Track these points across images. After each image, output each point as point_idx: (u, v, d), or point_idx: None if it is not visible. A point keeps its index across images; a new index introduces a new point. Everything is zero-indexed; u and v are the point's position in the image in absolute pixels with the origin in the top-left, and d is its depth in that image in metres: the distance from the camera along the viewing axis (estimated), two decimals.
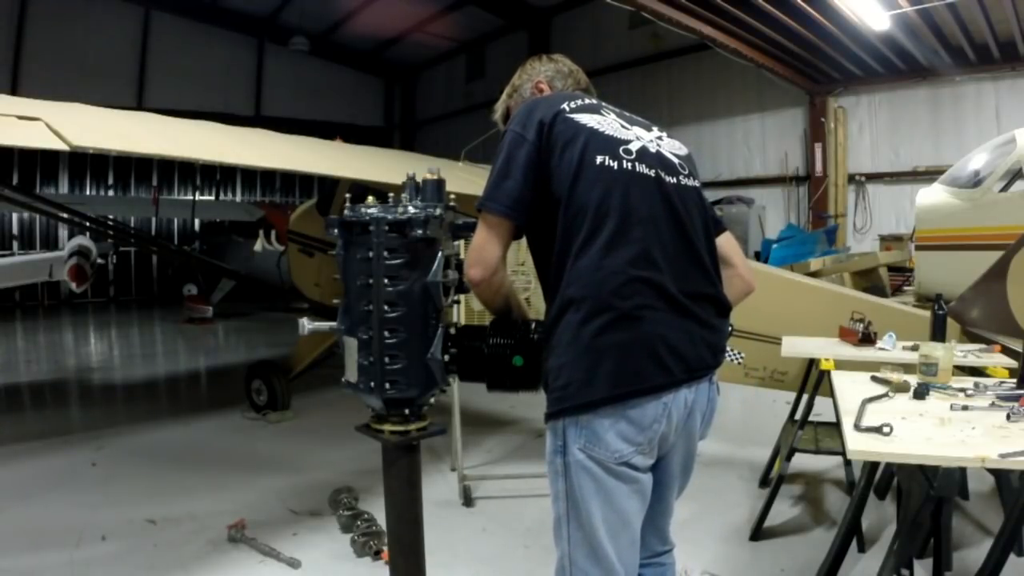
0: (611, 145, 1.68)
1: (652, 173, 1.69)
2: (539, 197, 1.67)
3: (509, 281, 1.78)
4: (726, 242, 1.90)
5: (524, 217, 1.67)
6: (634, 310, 1.57)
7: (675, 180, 1.73)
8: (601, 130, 1.70)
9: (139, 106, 14.32)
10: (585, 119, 1.71)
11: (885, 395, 2.28)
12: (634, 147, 1.71)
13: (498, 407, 5.82)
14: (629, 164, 1.67)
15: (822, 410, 3.61)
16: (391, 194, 1.71)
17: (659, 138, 1.82)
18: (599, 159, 1.65)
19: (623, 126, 1.76)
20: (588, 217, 1.61)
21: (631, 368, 1.56)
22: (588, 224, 1.60)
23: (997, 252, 3.64)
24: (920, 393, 2.27)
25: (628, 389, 1.56)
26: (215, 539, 3.46)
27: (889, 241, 9.51)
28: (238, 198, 17.27)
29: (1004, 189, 6.22)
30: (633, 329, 1.57)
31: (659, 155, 1.75)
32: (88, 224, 8.05)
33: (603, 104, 1.84)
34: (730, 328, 1.81)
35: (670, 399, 1.60)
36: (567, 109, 1.72)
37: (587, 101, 1.80)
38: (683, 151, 1.86)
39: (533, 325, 1.72)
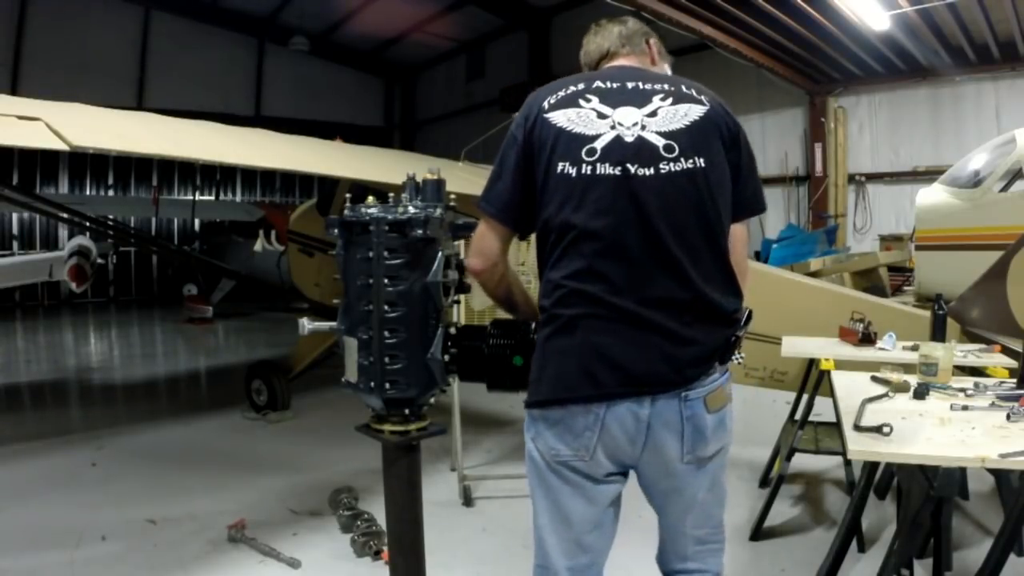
0: (574, 148, 1.62)
1: (617, 171, 1.59)
2: (531, 201, 1.69)
3: (513, 274, 1.82)
4: (731, 234, 1.74)
5: (514, 217, 1.72)
6: (573, 319, 1.59)
7: (651, 171, 1.60)
8: (569, 129, 1.64)
9: (139, 106, 14.31)
10: (557, 118, 1.66)
11: (885, 395, 2.28)
12: (601, 144, 1.62)
13: (498, 407, 5.82)
14: (588, 168, 1.60)
15: (822, 410, 3.61)
16: (391, 194, 1.71)
17: (652, 114, 1.66)
18: (560, 167, 1.63)
19: (600, 115, 1.65)
20: (551, 233, 1.65)
21: (564, 376, 1.60)
22: (551, 240, 1.65)
23: (997, 252, 3.64)
24: (920, 393, 2.27)
25: (559, 396, 1.61)
26: (215, 539, 3.46)
27: (889, 241, 9.51)
28: (238, 198, 17.26)
29: (1004, 189, 6.23)
30: (569, 337, 1.59)
31: (637, 142, 1.62)
32: (88, 224, 8.05)
33: (594, 84, 1.72)
34: (734, 337, 1.67)
35: (602, 411, 1.57)
36: (546, 107, 1.69)
37: (569, 91, 1.71)
38: (682, 122, 1.66)
39: (533, 325, 1.72)
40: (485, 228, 1.73)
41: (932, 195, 6.67)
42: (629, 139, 1.62)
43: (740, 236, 1.79)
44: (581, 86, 1.73)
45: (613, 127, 1.64)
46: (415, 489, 1.71)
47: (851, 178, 11.00)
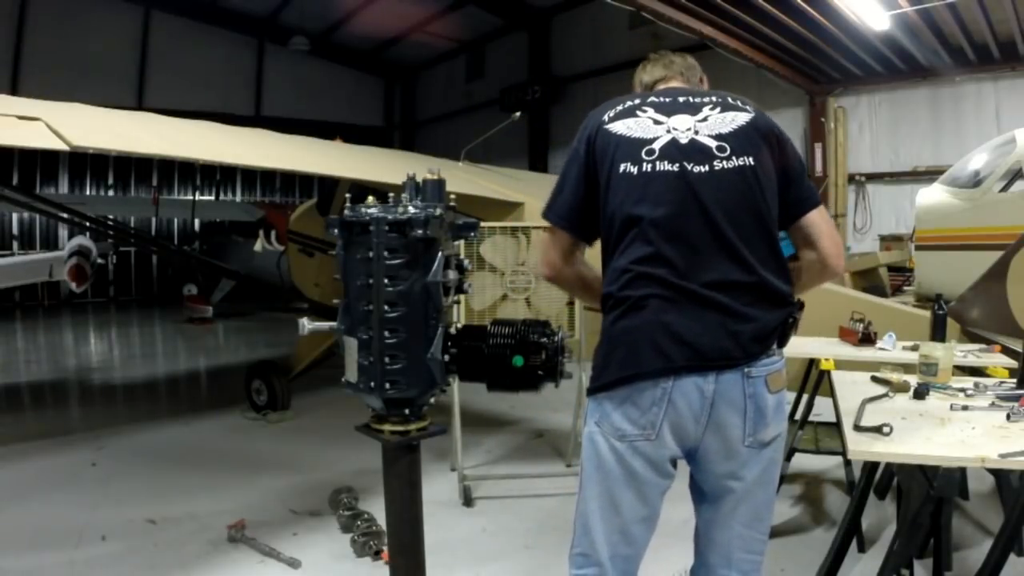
0: (633, 150, 1.77)
1: (675, 168, 1.73)
2: (595, 208, 1.82)
3: (580, 269, 1.96)
4: (810, 223, 1.82)
5: (576, 224, 1.87)
6: (640, 300, 1.68)
7: (706, 168, 1.73)
8: (628, 135, 1.79)
9: (139, 106, 14.30)
10: (618, 127, 1.82)
11: (885, 395, 2.28)
12: (658, 144, 1.76)
13: (498, 407, 5.82)
14: (648, 166, 1.74)
15: (822, 410, 3.61)
16: (391, 194, 1.71)
17: (703, 119, 1.80)
18: (622, 168, 1.76)
19: (656, 122, 1.81)
20: (615, 226, 1.76)
21: (633, 354, 1.67)
22: (615, 232, 1.76)
23: (997, 252, 3.64)
24: (920, 393, 2.27)
25: (627, 373, 1.68)
26: (215, 539, 3.46)
27: (889, 241, 9.51)
28: (238, 198, 17.25)
29: (1004, 189, 6.23)
30: (637, 317, 1.68)
31: (691, 144, 1.76)
32: (88, 224, 8.06)
33: (648, 99, 1.88)
34: (792, 319, 1.77)
35: (669, 385, 1.65)
36: (606, 120, 1.84)
37: (627, 104, 1.87)
38: (731, 127, 1.79)
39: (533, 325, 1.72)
40: (548, 238, 1.94)
41: (932, 195, 6.68)
42: (684, 141, 1.77)
43: (822, 218, 1.85)
44: (637, 101, 1.89)
45: (668, 131, 1.79)
46: (415, 489, 1.71)
47: (851, 178, 10.99)
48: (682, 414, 1.67)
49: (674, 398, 1.66)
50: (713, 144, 1.77)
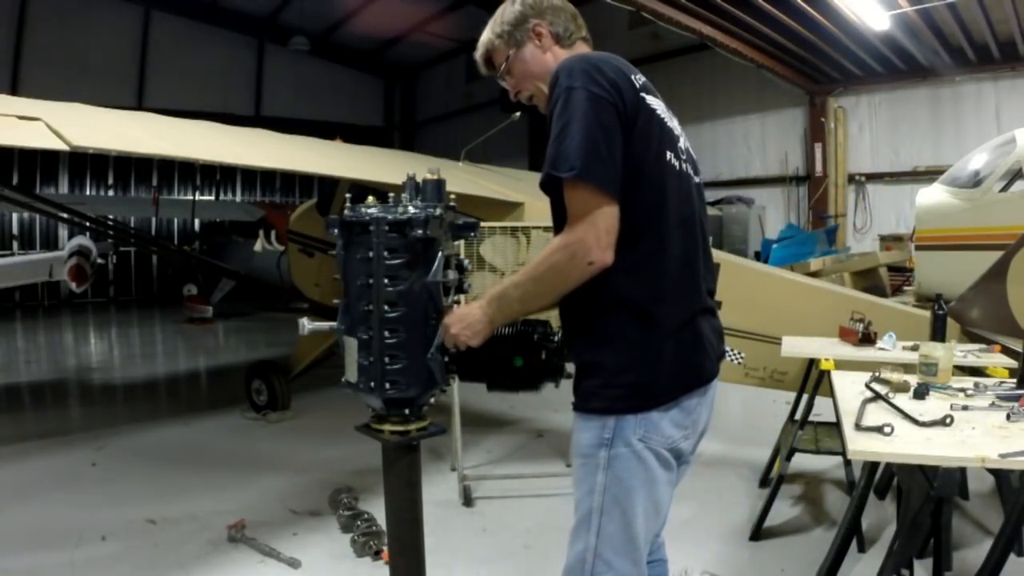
0: (672, 141, 1.65)
1: (691, 171, 1.72)
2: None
3: None
4: None
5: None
6: (689, 313, 1.66)
7: (698, 179, 1.76)
8: (665, 121, 1.64)
9: (139, 106, 14.30)
10: (653, 104, 1.60)
11: (885, 395, 2.28)
12: (681, 143, 1.70)
13: (498, 407, 5.82)
14: (683, 166, 1.68)
15: (822, 410, 3.61)
16: (391, 194, 1.71)
17: (672, 119, 1.75)
18: (668, 155, 1.61)
19: (668, 118, 1.70)
20: (652, 218, 1.57)
21: (695, 367, 1.67)
22: (651, 224, 1.58)
23: (997, 252, 3.64)
24: (920, 393, 2.26)
25: (691, 387, 1.66)
26: (215, 539, 3.46)
27: (889, 241, 9.51)
28: (238, 198, 17.28)
29: (1004, 189, 6.23)
30: (688, 331, 1.66)
31: (686, 149, 1.74)
32: (88, 224, 8.06)
33: (640, 78, 1.66)
34: None
35: (706, 388, 1.72)
36: (638, 85, 1.58)
37: (639, 78, 1.62)
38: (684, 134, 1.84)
39: (533, 325, 1.72)
40: (611, 213, 1.48)
41: (932, 195, 6.67)
42: (682, 144, 1.72)
43: None
44: (640, 77, 1.63)
45: (676, 130, 1.71)
46: (415, 489, 1.71)
47: (851, 178, 11.00)
48: (705, 408, 1.74)
49: (707, 397, 1.74)
50: (693, 152, 1.79)
